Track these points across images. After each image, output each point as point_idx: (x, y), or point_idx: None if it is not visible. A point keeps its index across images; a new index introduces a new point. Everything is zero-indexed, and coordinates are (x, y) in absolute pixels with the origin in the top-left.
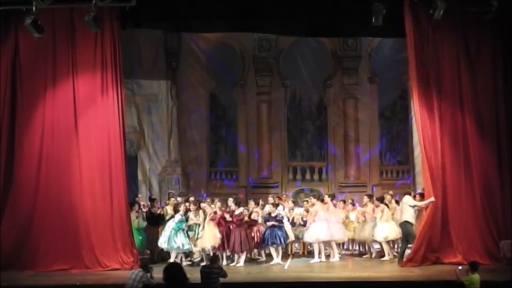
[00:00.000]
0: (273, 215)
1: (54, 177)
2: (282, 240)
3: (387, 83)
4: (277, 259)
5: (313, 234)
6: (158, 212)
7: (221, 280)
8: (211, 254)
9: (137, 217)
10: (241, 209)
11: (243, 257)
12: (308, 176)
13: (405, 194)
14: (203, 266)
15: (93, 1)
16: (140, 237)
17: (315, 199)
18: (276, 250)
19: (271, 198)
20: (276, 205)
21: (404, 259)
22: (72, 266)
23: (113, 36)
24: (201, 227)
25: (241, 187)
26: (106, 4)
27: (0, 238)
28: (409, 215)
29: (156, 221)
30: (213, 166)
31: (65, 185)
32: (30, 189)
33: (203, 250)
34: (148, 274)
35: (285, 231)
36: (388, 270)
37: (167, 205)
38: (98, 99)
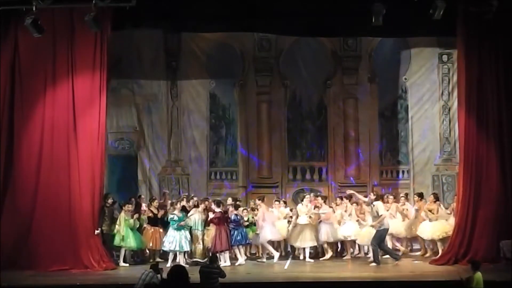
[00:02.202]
0: (231, 217)
1: (53, 177)
2: (233, 242)
3: (387, 83)
4: (240, 259)
5: (267, 235)
6: (161, 213)
7: (221, 280)
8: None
9: (133, 217)
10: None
11: (225, 256)
12: (308, 176)
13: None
14: (202, 266)
15: (93, 1)
16: (138, 237)
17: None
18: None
19: (230, 200)
20: (236, 207)
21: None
22: (72, 266)
23: (106, 37)
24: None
25: (241, 187)
26: (106, 4)
27: (0, 238)
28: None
29: (156, 221)
30: (213, 166)
31: (64, 185)
32: (29, 189)
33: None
34: (158, 276)
35: (239, 233)
36: (388, 270)
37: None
38: (97, 99)
